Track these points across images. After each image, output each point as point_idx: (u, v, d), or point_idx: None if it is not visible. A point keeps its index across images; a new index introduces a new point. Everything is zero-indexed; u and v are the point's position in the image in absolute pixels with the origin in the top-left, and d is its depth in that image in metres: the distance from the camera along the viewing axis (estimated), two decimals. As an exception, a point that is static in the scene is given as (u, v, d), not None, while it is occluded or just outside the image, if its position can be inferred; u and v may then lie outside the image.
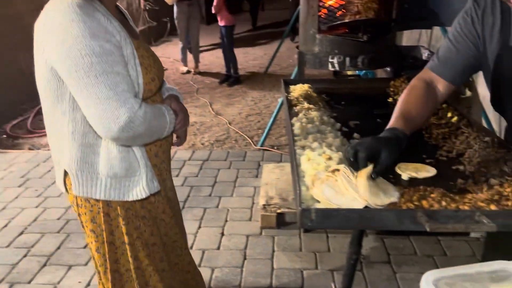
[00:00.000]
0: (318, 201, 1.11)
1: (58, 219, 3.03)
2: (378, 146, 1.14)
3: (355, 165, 1.13)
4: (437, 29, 4.22)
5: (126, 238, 1.38)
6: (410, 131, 1.27)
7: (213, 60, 8.19)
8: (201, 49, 7.94)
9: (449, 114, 1.74)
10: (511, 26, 1.24)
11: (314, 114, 1.72)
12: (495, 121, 3.66)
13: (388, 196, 1.08)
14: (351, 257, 1.53)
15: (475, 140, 1.48)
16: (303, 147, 1.43)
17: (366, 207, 1.06)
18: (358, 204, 1.06)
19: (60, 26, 1.15)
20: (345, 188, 1.10)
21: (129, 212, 1.37)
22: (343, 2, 2.29)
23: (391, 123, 1.28)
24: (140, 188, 1.33)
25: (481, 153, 1.38)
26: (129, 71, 1.23)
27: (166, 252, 1.50)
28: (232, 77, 6.62)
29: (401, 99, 1.38)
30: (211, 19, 9.71)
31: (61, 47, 1.15)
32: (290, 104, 1.94)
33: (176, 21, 7.06)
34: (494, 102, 1.42)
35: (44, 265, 2.54)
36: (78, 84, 1.15)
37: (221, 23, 6.37)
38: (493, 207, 1.02)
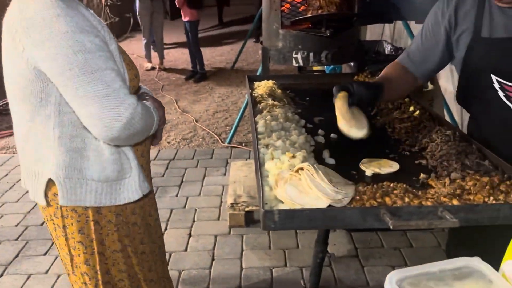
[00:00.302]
0: (282, 202, 1.08)
1: (16, 225, 2.88)
2: (354, 83, 1.33)
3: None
4: (399, 23, 4.28)
5: (117, 245, 1.31)
6: (386, 93, 1.40)
7: (179, 56, 8.05)
8: (166, 45, 7.79)
9: (412, 108, 1.75)
10: (483, 17, 1.25)
11: (278, 111, 1.69)
12: (457, 113, 3.76)
13: (357, 131, 1.20)
14: (317, 255, 1.51)
15: (437, 134, 1.49)
16: (267, 146, 1.39)
17: (329, 206, 1.04)
18: (321, 203, 1.04)
19: (43, 21, 1.06)
20: (308, 187, 1.07)
21: (119, 218, 1.29)
22: (305, -4, 2.27)
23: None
24: (132, 190, 1.27)
25: (443, 147, 1.39)
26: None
27: (155, 261, 1.44)
28: (198, 73, 6.53)
29: (381, 75, 1.50)
30: (176, 14, 9.53)
31: (49, 45, 1.06)
32: (255, 101, 1.91)
33: (139, 17, 6.88)
34: (460, 95, 1.45)
35: (1, 275, 2.40)
36: (73, 82, 1.06)
37: (185, 18, 6.24)
38: (455, 202, 1.02)
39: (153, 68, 7.07)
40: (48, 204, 1.26)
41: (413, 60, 1.45)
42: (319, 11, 2.08)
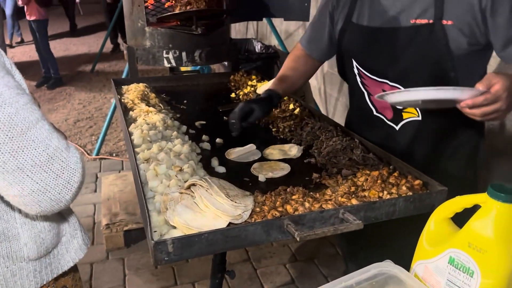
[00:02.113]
0: (174, 227, 0.92)
1: None
2: (250, 106, 1.37)
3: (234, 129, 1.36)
4: (263, 22, 4.38)
5: None
6: (284, 91, 1.49)
7: (26, 60, 7.05)
8: (10, 47, 6.75)
9: (291, 106, 1.75)
10: (357, 2, 1.30)
11: (155, 118, 1.50)
12: (322, 105, 4.02)
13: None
14: (215, 276, 1.38)
15: (320, 131, 1.49)
16: (147, 160, 1.21)
17: (229, 224, 0.92)
18: (221, 222, 0.91)
19: None
20: (204, 206, 0.93)
21: None
22: (171, -9, 2.10)
23: (269, 87, 1.48)
24: (77, 247, 1.01)
25: (328, 143, 1.39)
26: None
27: None
28: (52, 79, 5.78)
29: (284, 63, 1.55)
30: (19, 13, 8.33)
31: None
32: (126, 108, 1.68)
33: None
34: (339, 70, 1.50)
35: None
36: None
37: (31, 17, 5.44)
38: (354, 201, 1.00)
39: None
40: None
41: (311, 42, 1.49)
42: (188, 7, 1.94)
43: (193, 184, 0.97)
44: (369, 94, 1.34)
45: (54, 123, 3.67)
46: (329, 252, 2.49)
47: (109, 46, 7.31)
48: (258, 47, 2.99)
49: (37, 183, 0.76)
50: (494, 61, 1.41)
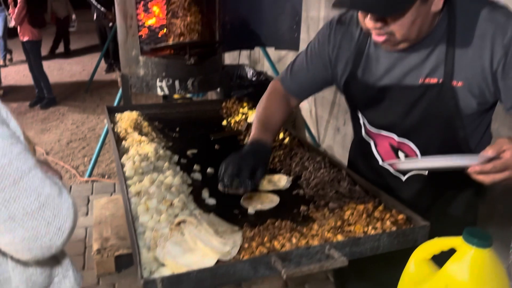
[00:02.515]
0: (163, 264, 0.94)
1: None
2: (246, 163, 1.18)
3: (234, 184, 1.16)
4: (257, 48, 4.46)
5: None
6: (272, 139, 1.34)
7: (20, 79, 7.08)
8: (4, 67, 6.78)
9: (281, 136, 1.79)
10: (363, 56, 1.25)
11: (148, 149, 1.53)
12: (313, 127, 4.07)
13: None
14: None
15: (308, 161, 1.52)
16: (138, 193, 1.23)
17: (218, 261, 0.95)
18: (209, 259, 0.94)
19: None
20: (193, 243, 0.96)
21: None
22: (164, 22, 2.16)
23: (255, 133, 1.30)
24: (69, 286, 1.01)
25: (316, 174, 1.42)
26: None
27: None
28: (45, 98, 5.80)
29: (261, 107, 1.41)
30: (11, 32, 8.40)
31: None
32: (119, 137, 1.71)
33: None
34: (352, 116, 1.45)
35: None
36: None
37: (24, 38, 5.49)
38: (340, 237, 1.03)
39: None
40: None
41: (296, 82, 1.41)
42: (181, 38, 2.00)
43: (183, 221, 1.00)
44: (375, 144, 1.33)
45: (47, 144, 3.65)
46: (320, 277, 2.50)
47: (103, 65, 7.37)
48: (250, 73, 3.05)
49: (28, 231, 0.76)
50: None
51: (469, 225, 1.32)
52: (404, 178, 1.32)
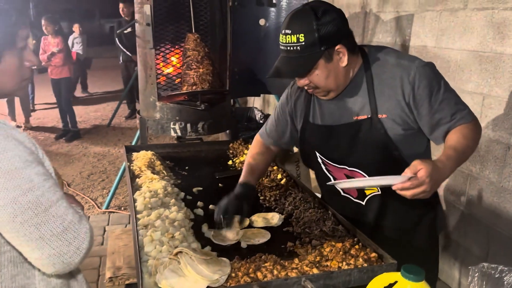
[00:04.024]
0: (161, 288, 1.11)
1: None
2: (236, 203, 1.52)
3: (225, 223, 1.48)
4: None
5: None
6: (256, 180, 1.70)
7: (47, 113, 7.52)
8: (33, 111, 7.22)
9: (279, 176, 1.96)
10: (311, 106, 1.54)
11: (157, 186, 1.73)
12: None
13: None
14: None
15: (300, 201, 1.69)
16: (146, 226, 1.42)
17: (208, 287, 1.11)
18: (200, 286, 1.10)
19: None
20: (187, 271, 1.13)
21: None
22: (181, 71, 2.41)
23: (243, 176, 1.65)
24: None
25: (305, 213, 1.58)
26: None
27: None
28: (70, 132, 6.15)
29: (248, 155, 1.75)
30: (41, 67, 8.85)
31: None
32: (134, 175, 1.92)
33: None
34: (304, 161, 1.75)
35: None
36: (26, 227, 0.94)
37: (61, 75, 5.90)
38: (315, 270, 1.18)
39: (17, 127, 6.44)
40: None
41: (271, 136, 1.72)
42: (194, 87, 2.24)
43: (180, 251, 1.17)
44: (334, 178, 1.55)
45: (69, 176, 3.87)
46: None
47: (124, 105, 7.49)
48: (258, 115, 3.27)
49: (54, 249, 0.96)
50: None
51: (432, 251, 1.53)
52: (364, 202, 1.53)
